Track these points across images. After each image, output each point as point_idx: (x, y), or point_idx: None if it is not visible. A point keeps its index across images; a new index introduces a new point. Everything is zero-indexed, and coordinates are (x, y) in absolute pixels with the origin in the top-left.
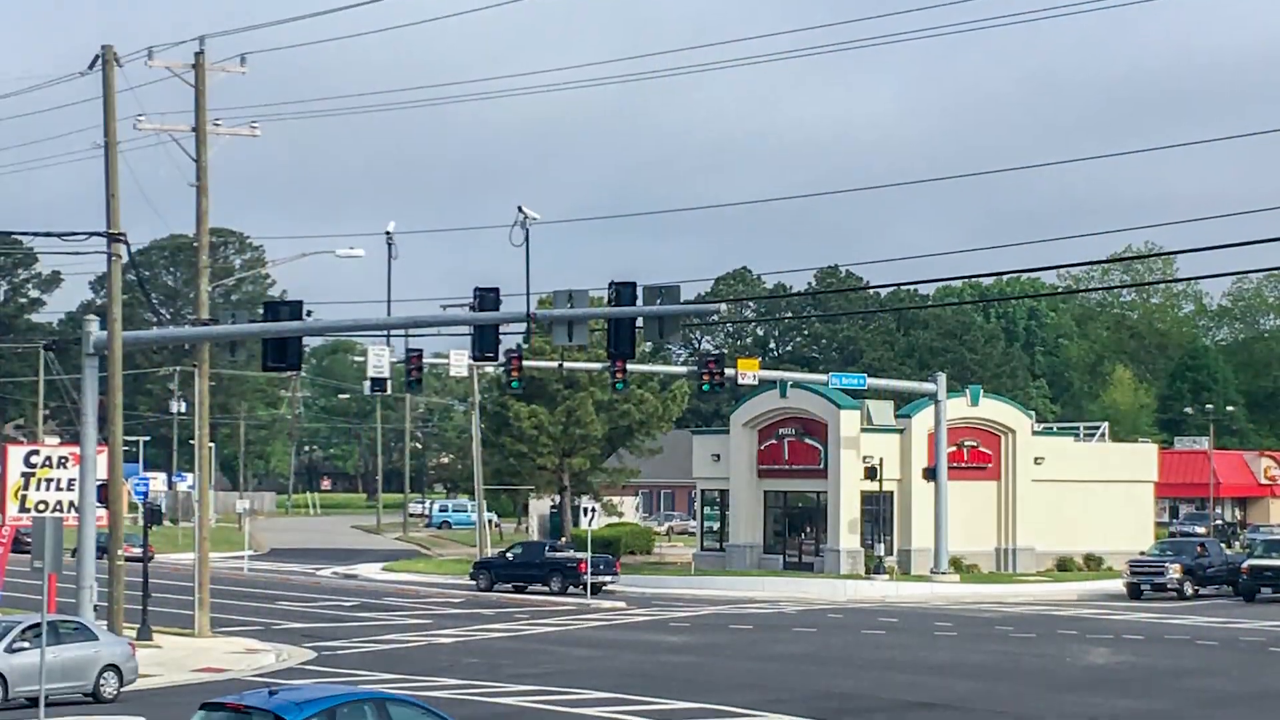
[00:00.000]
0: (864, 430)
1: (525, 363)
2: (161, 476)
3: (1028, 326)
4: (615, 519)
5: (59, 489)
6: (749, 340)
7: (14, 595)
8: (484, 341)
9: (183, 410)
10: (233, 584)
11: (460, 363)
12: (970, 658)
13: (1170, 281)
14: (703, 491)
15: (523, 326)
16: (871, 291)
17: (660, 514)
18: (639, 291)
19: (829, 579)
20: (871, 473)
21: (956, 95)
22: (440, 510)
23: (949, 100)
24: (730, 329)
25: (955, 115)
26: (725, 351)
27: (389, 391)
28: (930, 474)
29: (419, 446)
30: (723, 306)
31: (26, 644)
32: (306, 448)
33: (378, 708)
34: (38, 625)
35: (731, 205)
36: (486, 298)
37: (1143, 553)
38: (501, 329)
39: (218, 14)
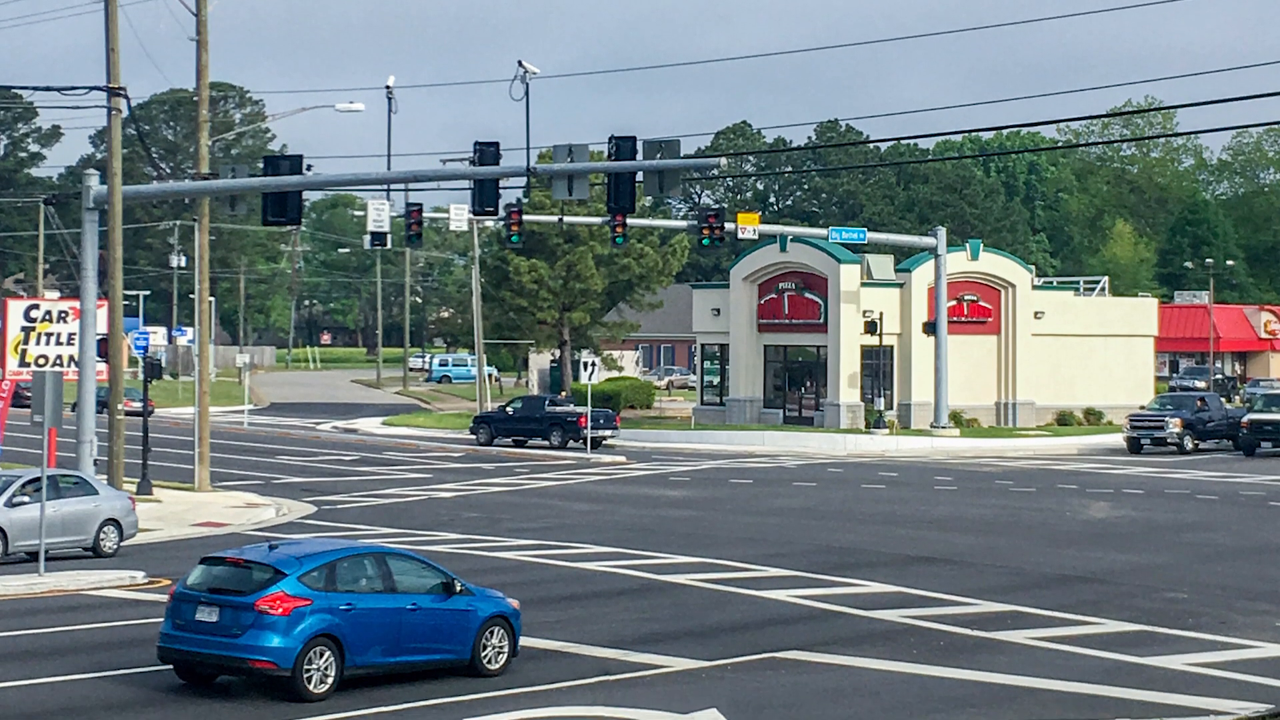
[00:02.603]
0: (864, 285)
1: (525, 217)
2: (161, 331)
3: (1028, 181)
4: (615, 373)
5: (59, 343)
6: (749, 195)
7: (14, 450)
8: (484, 196)
9: (182, 265)
10: (233, 439)
11: (460, 217)
12: (970, 512)
13: (1170, 136)
14: (703, 346)
15: (522, 181)
16: (871, 146)
17: (660, 368)
18: (639, 146)
19: (829, 433)
20: (871, 327)
21: None
22: (440, 365)
23: None
24: (730, 183)
25: None
26: (725, 206)
27: (389, 246)
28: (930, 328)
29: (419, 301)
30: (722, 161)
31: (26, 498)
32: (306, 302)
33: (378, 562)
34: (38, 480)
35: (731, 59)
36: (486, 152)
37: (1143, 407)
38: (501, 183)
39: None
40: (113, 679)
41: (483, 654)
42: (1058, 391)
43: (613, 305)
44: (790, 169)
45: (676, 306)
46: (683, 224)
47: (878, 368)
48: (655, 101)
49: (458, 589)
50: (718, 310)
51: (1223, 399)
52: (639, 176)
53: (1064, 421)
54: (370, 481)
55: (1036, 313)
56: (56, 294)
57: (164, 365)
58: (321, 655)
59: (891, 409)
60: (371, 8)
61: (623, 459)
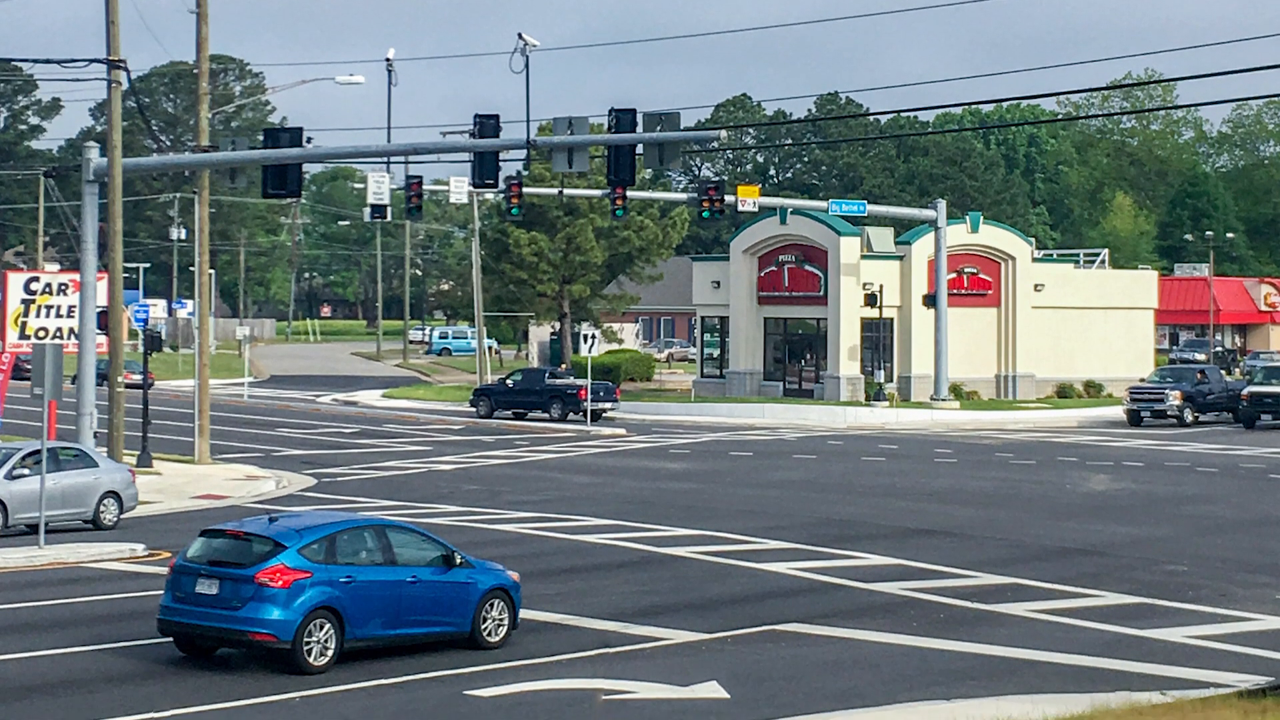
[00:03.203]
0: (864, 257)
1: (525, 189)
2: (161, 303)
3: (1028, 153)
4: (615, 346)
5: (59, 316)
6: (749, 167)
7: (14, 422)
8: (484, 168)
9: (183, 237)
10: (233, 411)
11: (460, 189)
12: (970, 484)
13: (1170, 108)
14: (703, 318)
15: (523, 153)
16: (871, 118)
17: (660, 341)
18: (639, 119)
19: (829, 406)
20: (871, 300)
21: None
22: (440, 337)
23: None
24: (730, 156)
25: None
26: (725, 178)
27: (389, 218)
28: (930, 301)
29: (419, 273)
30: (723, 133)
31: (26, 471)
32: (306, 275)
33: (378, 534)
34: (38, 452)
35: (731, 32)
36: (486, 124)
37: (1143, 380)
38: (501, 155)
39: None
40: (113, 651)
41: (483, 626)
42: (1058, 364)
43: (613, 278)
44: (790, 142)
45: (676, 279)
46: (683, 196)
47: (878, 340)
48: (655, 74)
49: (458, 561)
50: (717, 283)
51: (1223, 372)
52: (639, 149)
53: (1064, 394)
54: (370, 454)
55: (1036, 285)
56: (56, 267)
57: (164, 338)
58: (321, 628)
59: (891, 381)
60: None
61: (622, 432)
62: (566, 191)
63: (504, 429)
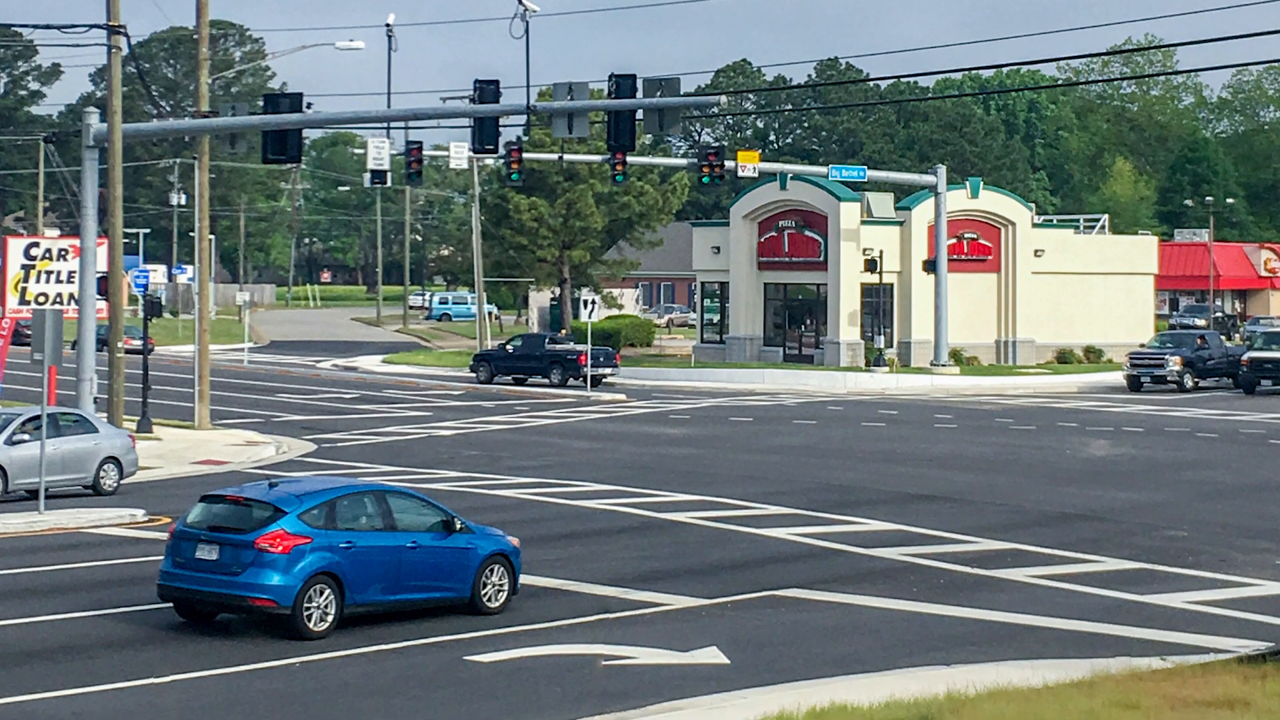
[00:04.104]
0: (864, 223)
1: (525, 155)
2: (161, 269)
3: (1028, 119)
4: (615, 311)
5: (59, 281)
6: (749, 133)
7: (14, 388)
8: (484, 134)
9: (183, 203)
10: (233, 376)
11: (460, 155)
12: (970, 450)
13: (1170, 74)
14: (703, 284)
15: (523, 119)
16: (871, 84)
17: (660, 306)
18: (639, 84)
19: (829, 371)
20: (871, 265)
21: None
22: (440, 303)
23: None
24: (730, 121)
25: None
26: (725, 144)
27: (389, 184)
28: (930, 266)
29: (419, 239)
30: (723, 99)
31: (26, 436)
32: (306, 240)
33: (377, 500)
34: (38, 418)
35: None
36: (486, 90)
37: (1143, 345)
38: (501, 121)
39: None
40: (113, 617)
41: (483, 592)
42: (1058, 329)
43: (613, 243)
44: (790, 107)
45: (676, 245)
46: (683, 162)
47: (878, 306)
48: (655, 39)
49: (458, 527)
50: (718, 248)
51: (1222, 337)
52: (639, 114)
53: (1064, 359)
54: (370, 419)
55: (1036, 251)
56: (56, 232)
57: (164, 303)
58: (321, 593)
59: (891, 347)
60: None
61: (622, 397)
62: (566, 157)
63: (504, 394)
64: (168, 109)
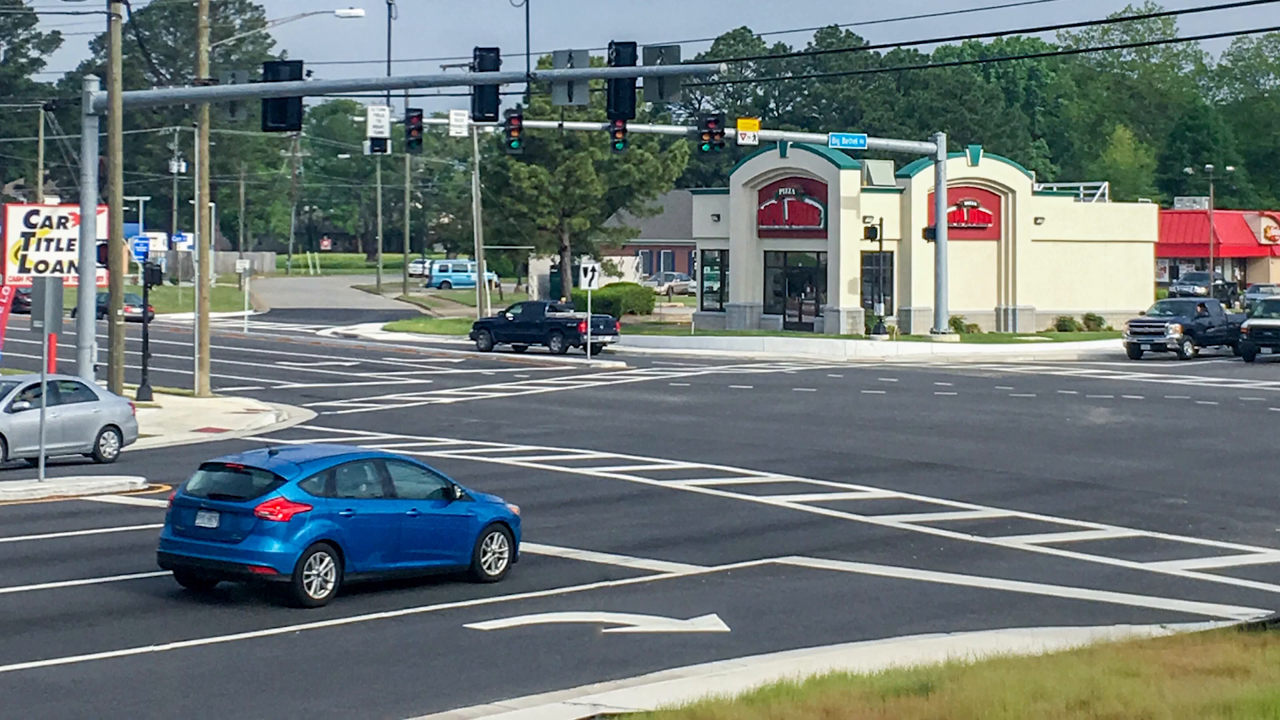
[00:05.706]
0: (864, 190)
1: (525, 123)
2: (161, 236)
3: (1028, 86)
4: (615, 279)
5: (59, 249)
6: (749, 100)
7: (14, 356)
8: (484, 101)
9: (183, 170)
10: (233, 344)
11: (460, 123)
12: (970, 418)
13: (1170, 41)
14: (703, 252)
15: (523, 86)
16: (872, 51)
17: (660, 274)
18: (639, 51)
19: (829, 339)
20: (871, 233)
21: None
22: (440, 270)
23: None
24: (730, 89)
25: None
26: (725, 111)
27: (389, 151)
28: (930, 234)
29: (419, 206)
30: (723, 67)
31: (26, 404)
32: (306, 208)
33: (378, 467)
34: (38, 385)
35: None
36: (486, 58)
37: (1143, 313)
38: (501, 89)
39: None
40: (113, 584)
41: (483, 559)
42: (1058, 297)
43: (613, 211)
44: (790, 75)
45: (676, 212)
46: (683, 130)
47: (878, 273)
48: (655, 7)
49: (458, 495)
50: (718, 216)
51: (1223, 305)
52: (639, 82)
53: (1064, 327)
54: (370, 387)
55: (1036, 218)
56: (56, 200)
57: (164, 271)
58: (321, 561)
59: (891, 314)
60: None
61: (622, 365)
62: (566, 125)
63: (504, 362)
64: (168, 77)
